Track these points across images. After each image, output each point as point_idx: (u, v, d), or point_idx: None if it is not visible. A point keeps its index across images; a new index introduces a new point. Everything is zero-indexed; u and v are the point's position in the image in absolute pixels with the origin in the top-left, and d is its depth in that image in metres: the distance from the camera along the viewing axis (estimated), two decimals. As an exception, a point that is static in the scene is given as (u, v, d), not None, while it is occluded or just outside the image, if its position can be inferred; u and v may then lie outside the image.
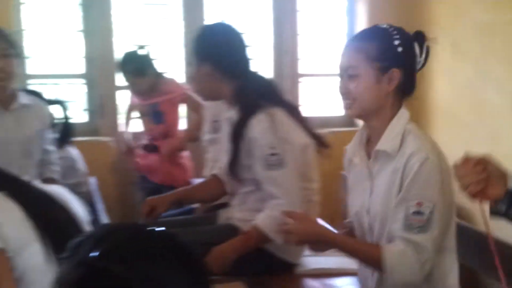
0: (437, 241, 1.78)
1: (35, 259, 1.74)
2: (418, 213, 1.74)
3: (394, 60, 1.84)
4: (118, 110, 4.36)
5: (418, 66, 1.91)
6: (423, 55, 1.89)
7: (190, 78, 2.35)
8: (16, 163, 2.82)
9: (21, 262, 1.74)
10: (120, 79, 4.00)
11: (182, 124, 4.14)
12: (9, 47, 2.80)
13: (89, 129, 4.34)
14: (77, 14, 4.31)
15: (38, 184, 2.16)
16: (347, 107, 1.91)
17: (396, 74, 1.84)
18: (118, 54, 3.97)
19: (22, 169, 2.74)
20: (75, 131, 3.47)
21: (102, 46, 4.31)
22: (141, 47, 3.78)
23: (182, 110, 4.11)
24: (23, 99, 2.97)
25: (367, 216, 1.92)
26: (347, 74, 1.87)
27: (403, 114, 1.90)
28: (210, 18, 4.47)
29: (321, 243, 1.94)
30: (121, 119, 4.25)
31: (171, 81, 3.95)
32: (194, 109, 3.86)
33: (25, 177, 2.16)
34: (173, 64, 4.43)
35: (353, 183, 2.04)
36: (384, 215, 1.84)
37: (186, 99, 3.89)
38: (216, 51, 2.36)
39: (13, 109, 2.92)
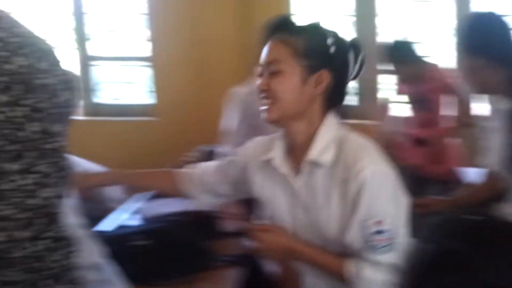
0: (399, 252, 1.57)
1: None
2: (379, 232, 1.56)
3: (325, 60, 1.64)
4: (378, 95, 4.39)
5: (350, 77, 1.72)
6: (357, 65, 1.71)
7: (462, 70, 2.28)
8: None
9: None
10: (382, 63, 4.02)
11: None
12: None
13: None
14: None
15: None
16: (266, 109, 1.68)
17: (325, 76, 1.64)
18: (381, 38, 4.06)
19: None
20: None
21: (365, 30, 4.32)
22: (404, 38, 3.78)
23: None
24: None
25: (313, 234, 1.70)
26: (270, 70, 1.65)
27: (332, 120, 1.70)
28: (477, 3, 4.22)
29: (289, 256, 1.75)
30: (384, 104, 4.20)
31: (436, 68, 3.85)
32: (461, 99, 3.74)
33: None
34: (438, 49, 4.29)
35: (273, 195, 1.79)
36: (339, 234, 1.64)
37: (451, 89, 3.75)
38: (490, 43, 2.22)
39: None
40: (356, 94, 4.43)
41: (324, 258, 1.69)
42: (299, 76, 1.63)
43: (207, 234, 2.29)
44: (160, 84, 4.43)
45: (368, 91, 4.28)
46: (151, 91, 4.54)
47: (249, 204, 2.21)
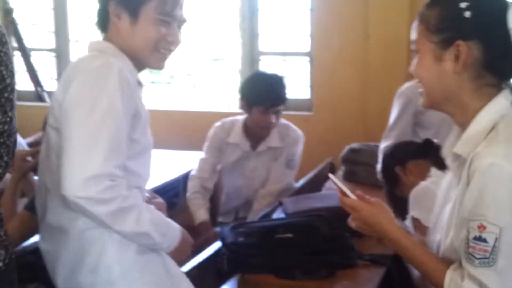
0: (504, 276, 1.28)
1: None
2: (479, 239, 1.28)
3: (458, 29, 1.38)
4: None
5: None
6: None
7: None
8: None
9: None
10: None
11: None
12: None
13: None
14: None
15: None
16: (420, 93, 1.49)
17: (462, 48, 1.36)
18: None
19: None
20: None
21: None
22: None
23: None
24: None
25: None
26: (413, 50, 1.49)
27: (497, 103, 1.38)
28: None
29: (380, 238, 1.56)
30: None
31: None
32: None
33: None
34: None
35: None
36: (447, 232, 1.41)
37: None
38: None
39: None
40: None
41: (422, 256, 1.46)
42: (432, 54, 1.42)
43: (350, 231, 2.30)
44: (318, 80, 4.48)
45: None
46: (310, 86, 4.62)
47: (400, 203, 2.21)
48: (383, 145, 2.91)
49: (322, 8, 4.38)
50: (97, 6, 1.73)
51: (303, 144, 3.29)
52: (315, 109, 4.49)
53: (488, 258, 1.27)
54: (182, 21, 1.73)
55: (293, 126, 3.30)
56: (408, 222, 2.02)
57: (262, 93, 3.06)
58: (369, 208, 1.51)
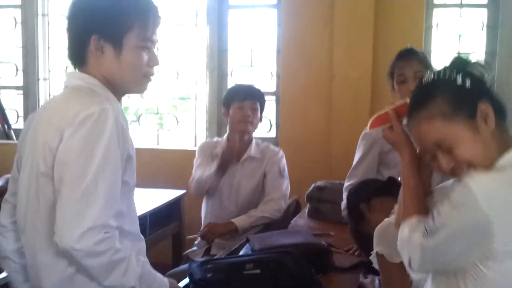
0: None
1: None
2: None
3: (470, 97, 1.49)
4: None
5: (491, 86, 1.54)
6: (487, 71, 1.55)
7: None
8: None
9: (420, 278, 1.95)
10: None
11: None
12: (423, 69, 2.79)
13: None
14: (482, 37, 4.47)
15: None
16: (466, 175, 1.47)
17: (484, 107, 1.47)
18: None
19: None
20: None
21: (504, 68, 4.39)
22: None
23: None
24: None
25: None
26: (443, 150, 1.51)
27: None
28: None
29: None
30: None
31: None
32: None
33: None
34: None
35: None
36: None
37: None
38: None
39: None
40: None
41: (413, 195, 1.64)
42: (468, 131, 1.48)
43: (318, 267, 2.33)
44: (284, 119, 4.56)
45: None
46: (276, 125, 4.70)
47: (365, 239, 2.25)
48: (347, 183, 2.96)
49: (289, 49, 4.47)
50: (73, 41, 1.74)
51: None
52: (281, 147, 4.52)
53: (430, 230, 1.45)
54: (156, 42, 1.78)
55: (273, 145, 3.52)
56: (372, 258, 2.05)
57: (236, 89, 3.39)
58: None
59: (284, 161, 3.45)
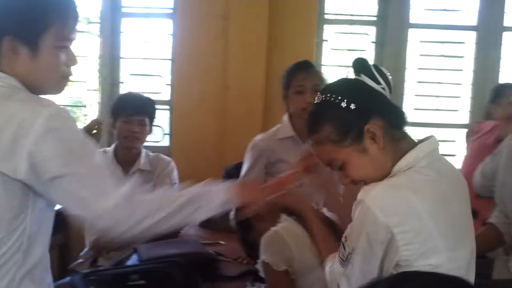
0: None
1: (316, 285, 1.90)
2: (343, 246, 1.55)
3: (356, 122, 1.54)
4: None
5: (387, 92, 1.60)
6: (382, 79, 1.60)
7: None
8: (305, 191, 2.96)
9: (303, 285, 1.92)
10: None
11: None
12: (320, 83, 2.85)
13: None
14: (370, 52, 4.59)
15: (325, 212, 2.25)
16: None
17: (372, 128, 1.54)
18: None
19: (310, 197, 2.86)
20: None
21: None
22: None
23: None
24: None
25: None
26: (337, 168, 1.61)
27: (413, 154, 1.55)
28: None
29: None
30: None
31: None
32: None
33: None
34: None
35: None
36: None
37: None
38: None
39: None
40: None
41: (325, 242, 1.76)
42: (355, 153, 1.56)
43: (206, 277, 2.33)
44: (177, 128, 4.54)
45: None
46: (169, 134, 4.65)
47: (252, 248, 2.27)
48: None
49: (183, 59, 4.46)
50: None
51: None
52: (174, 156, 4.49)
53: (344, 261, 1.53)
54: (74, 39, 1.67)
55: (163, 155, 3.41)
56: (259, 266, 2.08)
57: (125, 102, 3.20)
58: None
59: (175, 172, 3.39)
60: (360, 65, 1.62)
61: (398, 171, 1.53)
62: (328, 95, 1.58)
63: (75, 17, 1.65)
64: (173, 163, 3.40)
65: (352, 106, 1.54)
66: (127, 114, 3.13)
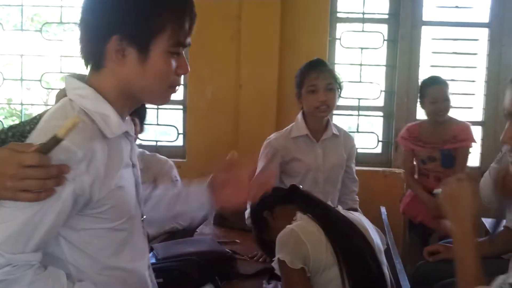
0: None
1: (331, 283, 1.91)
2: None
3: None
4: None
5: None
6: None
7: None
8: (320, 190, 3.00)
9: (318, 283, 1.92)
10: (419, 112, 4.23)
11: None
12: (333, 81, 2.93)
13: (381, 160, 4.68)
14: (383, 50, 4.63)
15: (340, 210, 2.29)
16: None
17: None
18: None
19: (325, 196, 2.91)
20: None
21: (403, 80, 4.56)
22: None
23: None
24: (333, 129, 3.11)
25: None
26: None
27: None
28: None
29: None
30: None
31: (466, 128, 3.81)
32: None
33: (328, 203, 2.34)
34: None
35: None
36: None
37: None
38: None
39: (323, 139, 3.07)
40: (381, 142, 4.60)
41: (468, 262, 1.56)
42: None
43: (223, 275, 2.35)
44: (191, 128, 4.57)
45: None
46: (183, 134, 4.70)
47: (268, 246, 2.28)
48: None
49: (196, 58, 4.47)
50: (89, 38, 1.43)
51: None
52: (188, 156, 4.54)
53: None
54: (189, 45, 1.50)
55: (160, 155, 3.43)
56: (274, 264, 2.09)
57: None
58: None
59: (174, 170, 3.40)
60: None
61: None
62: None
63: (191, 19, 1.47)
64: (171, 162, 3.42)
65: None
66: None
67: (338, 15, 4.59)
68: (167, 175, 3.32)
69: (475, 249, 1.56)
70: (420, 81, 3.96)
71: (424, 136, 3.82)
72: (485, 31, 4.58)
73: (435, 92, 3.70)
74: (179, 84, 1.50)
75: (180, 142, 4.71)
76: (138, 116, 3.25)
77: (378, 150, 4.70)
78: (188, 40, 1.47)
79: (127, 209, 1.48)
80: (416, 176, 3.95)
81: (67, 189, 1.29)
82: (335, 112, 4.41)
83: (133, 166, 1.56)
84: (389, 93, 4.62)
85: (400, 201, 4.10)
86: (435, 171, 3.80)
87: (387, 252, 2.55)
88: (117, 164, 1.44)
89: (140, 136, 3.35)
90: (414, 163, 3.94)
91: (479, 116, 4.64)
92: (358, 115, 4.69)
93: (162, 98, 1.50)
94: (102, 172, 1.36)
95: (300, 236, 2.01)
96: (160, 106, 4.67)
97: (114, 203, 1.42)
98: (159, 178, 3.30)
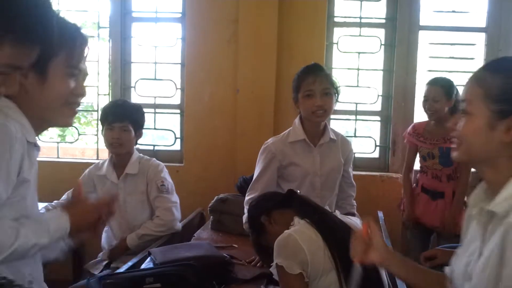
0: None
1: None
2: None
3: None
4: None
5: None
6: None
7: None
8: (318, 194, 2.99)
9: None
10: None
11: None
12: (330, 86, 2.91)
13: (379, 164, 4.67)
14: (380, 54, 4.62)
15: (338, 214, 2.29)
16: (454, 147, 1.57)
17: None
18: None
19: (322, 200, 2.92)
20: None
21: (401, 85, 4.55)
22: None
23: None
24: (331, 134, 3.09)
25: (467, 283, 1.54)
26: (461, 109, 1.54)
27: None
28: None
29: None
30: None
31: None
32: None
33: (326, 208, 2.34)
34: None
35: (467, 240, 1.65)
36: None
37: None
38: None
39: (321, 144, 3.05)
40: (378, 146, 4.54)
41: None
42: (485, 120, 1.47)
43: (220, 280, 2.35)
44: (189, 132, 4.56)
45: (397, 144, 4.36)
46: (180, 138, 4.69)
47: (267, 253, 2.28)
48: (248, 197, 2.99)
49: (193, 62, 4.49)
50: None
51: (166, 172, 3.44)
52: (186, 160, 4.54)
53: None
54: (86, 74, 1.66)
55: (156, 160, 3.46)
56: (272, 269, 2.09)
57: (106, 110, 3.35)
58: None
59: (164, 175, 3.40)
60: None
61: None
62: None
63: (82, 48, 1.62)
64: (162, 166, 3.43)
65: None
66: (108, 122, 3.29)
67: (335, 19, 4.60)
68: (153, 180, 3.35)
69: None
70: (417, 85, 3.97)
71: (427, 133, 3.91)
72: (482, 36, 4.59)
73: (427, 91, 3.82)
74: (77, 104, 1.64)
75: (177, 146, 4.71)
76: (132, 122, 3.28)
77: (376, 154, 4.69)
78: (82, 66, 1.61)
79: None
80: (418, 174, 4.02)
81: None
82: (332, 116, 4.42)
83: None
84: (387, 97, 4.62)
85: (399, 206, 4.12)
86: (433, 168, 3.86)
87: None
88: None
89: (138, 141, 3.37)
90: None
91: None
92: (356, 119, 4.69)
93: (64, 118, 1.62)
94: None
95: (298, 241, 2.01)
96: (157, 110, 4.69)
97: None
98: (149, 184, 3.33)
